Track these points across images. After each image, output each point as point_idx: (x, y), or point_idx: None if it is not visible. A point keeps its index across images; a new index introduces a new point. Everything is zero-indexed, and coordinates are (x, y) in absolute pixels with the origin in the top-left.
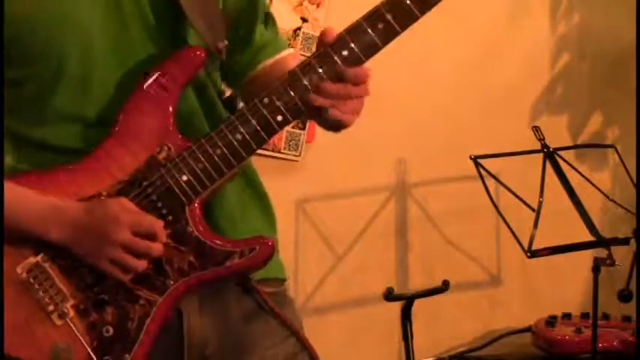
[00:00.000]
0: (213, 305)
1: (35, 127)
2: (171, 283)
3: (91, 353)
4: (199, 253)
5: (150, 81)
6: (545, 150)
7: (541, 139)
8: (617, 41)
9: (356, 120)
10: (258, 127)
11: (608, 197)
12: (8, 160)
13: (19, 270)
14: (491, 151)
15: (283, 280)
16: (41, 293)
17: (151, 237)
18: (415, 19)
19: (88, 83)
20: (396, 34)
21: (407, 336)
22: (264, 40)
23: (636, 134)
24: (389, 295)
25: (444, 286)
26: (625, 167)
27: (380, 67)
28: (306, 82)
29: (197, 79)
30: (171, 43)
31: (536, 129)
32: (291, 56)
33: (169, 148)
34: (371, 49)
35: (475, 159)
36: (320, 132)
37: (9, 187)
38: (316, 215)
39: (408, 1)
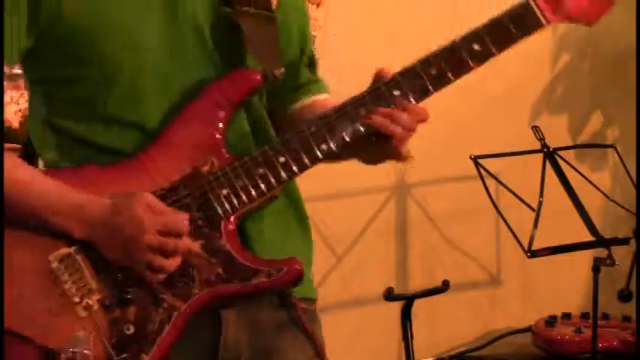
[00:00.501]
0: (248, 315)
1: (82, 126)
2: (196, 291)
3: (110, 348)
4: (228, 267)
5: (204, 96)
6: (545, 150)
7: (541, 139)
8: (617, 41)
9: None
10: (302, 153)
11: (608, 197)
12: (51, 155)
13: (51, 258)
14: (492, 151)
15: (314, 300)
16: (69, 284)
17: (178, 234)
18: (468, 70)
19: (139, 91)
20: (447, 82)
21: (407, 336)
22: (307, 80)
23: (636, 134)
24: (389, 295)
25: (444, 286)
26: (625, 167)
27: (380, 66)
28: (353, 115)
29: (251, 100)
30: (227, 63)
31: (536, 129)
32: (328, 100)
33: (213, 163)
34: (422, 93)
35: (475, 159)
36: None
37: (45, 179)
38: (316, 215)
39: (463, 54)
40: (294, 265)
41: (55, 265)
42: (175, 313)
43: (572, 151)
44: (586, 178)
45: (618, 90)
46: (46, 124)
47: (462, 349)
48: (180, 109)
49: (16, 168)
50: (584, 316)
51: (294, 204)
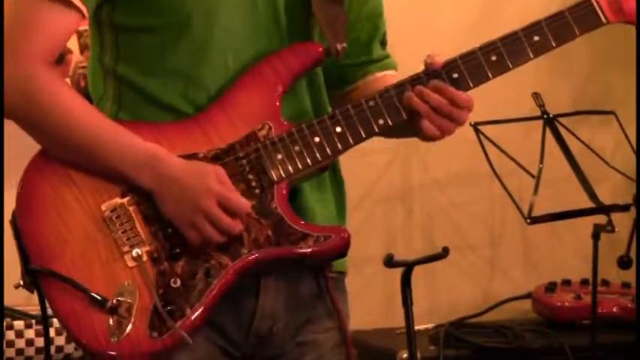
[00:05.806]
0: (287, 285)
1: (148, 78)
2: (245, 251)
3: (157, 298)
4: (277, 230)
5: (266, 62)
6: (544, 116)
7: (541, 106)
8: None
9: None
10: (359, 126)
11: (608, 164)
12: (109, 105)
13: (103, 207)
14: (492, 118)
15: (344, 274)
16: (120, 233)
17: (234, 214)
18: (527, 60)
19: (208, 48)
20: (505, 69)
21: (407, 302)
22: (380, 57)
23: (636, 100)
24: (389, 262)
25: (444, 253)
26: (625, 134)
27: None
28: (411, 92)
29: (312, 75)
30: (294, 35)
31: (536, 95)
32: (395, 77)
33: (270, 128)
34: (480, 78)
35: (475, 125)
36: None
37: (117, 126)
38: None
39: (524, 43)
40: (342, 234)
41: (107, 214)
42: (222, 272)
43: (572, 118)
44: (586, 145)
45: (618, 56)
46: (109, 73)
47: (462, 315)
48: (241, 73)
49: (89, 112)
50: (584, 282)
51: (337, 177)
